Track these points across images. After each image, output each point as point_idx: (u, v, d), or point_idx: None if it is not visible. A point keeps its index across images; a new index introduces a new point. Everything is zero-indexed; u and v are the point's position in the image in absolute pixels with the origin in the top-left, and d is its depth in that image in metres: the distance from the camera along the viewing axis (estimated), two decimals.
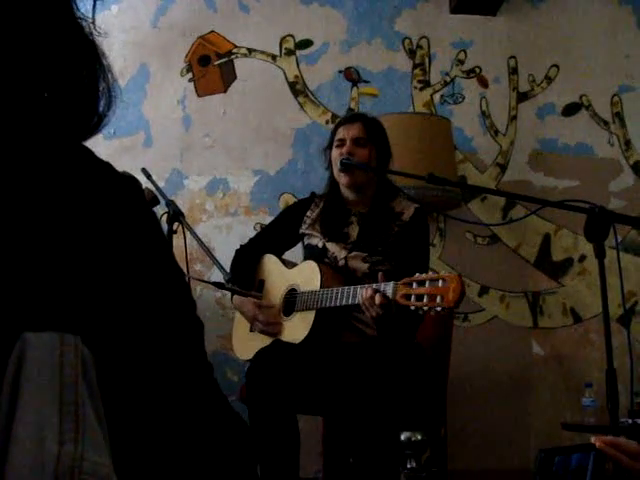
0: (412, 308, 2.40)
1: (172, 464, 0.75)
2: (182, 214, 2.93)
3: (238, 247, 3.10)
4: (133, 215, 0.79)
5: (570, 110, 4.17)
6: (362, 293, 2.52)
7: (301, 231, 2.98)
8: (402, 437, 2.29)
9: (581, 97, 4.18)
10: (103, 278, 0.74)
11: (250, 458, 0.83)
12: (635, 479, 1.09)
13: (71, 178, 0.74)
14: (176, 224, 2.91)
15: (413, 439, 2.26)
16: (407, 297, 2.41)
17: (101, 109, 0.80)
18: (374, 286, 2.51)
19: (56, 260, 0.69)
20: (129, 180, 0.81)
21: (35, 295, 0.67)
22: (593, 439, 1.11)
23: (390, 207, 2.88)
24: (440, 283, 2.35)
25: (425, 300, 2.37)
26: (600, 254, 2.29)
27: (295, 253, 3.15)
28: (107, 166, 0.79)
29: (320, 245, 2.89)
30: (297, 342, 2.72)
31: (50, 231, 0.70)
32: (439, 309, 2.34)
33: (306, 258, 2.95)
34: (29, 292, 0.67)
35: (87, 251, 0.73)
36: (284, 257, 3.07)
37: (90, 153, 0.78)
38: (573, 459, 1.10)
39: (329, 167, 2.94)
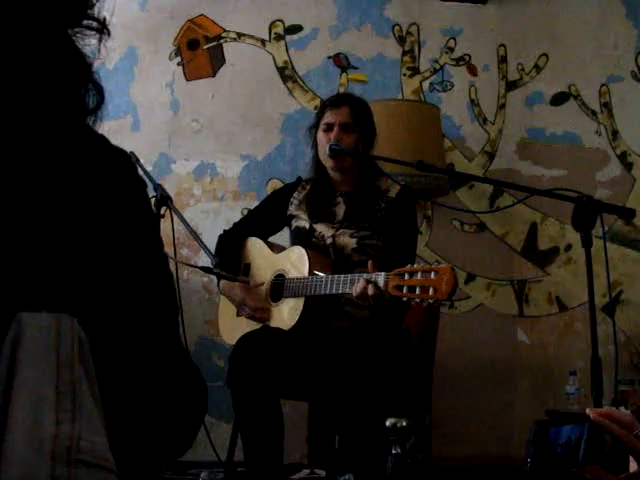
0: (404, 299, 2.40)
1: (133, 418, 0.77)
2: (170, 198, 2.92)
3: (222, 232, 3.09)
4: (123, 190, 0.79)
5: (558, 99, 4.18)
6: (354, 288, 2.51)
7: (289, 212, 2.98)
8: (387, 423, 2.30)
9: (570, 87, 4.18)
10: (97, 258, 0.74)
11: (199, 412, 0.87)
12: (628, 449, 1.09)
13: (65, 156, 0.74)
14: (164, 208, 2.90)
15: (398, 425, 2.27)
16: (399, 288, 2.41)
17: (91, 103, 0.81)
18: (365, 276, 2.51)
19: (52, 241, 0.69)
20: (121, 154, 0.81)
21: (31, 276, 0.67)
22: (588, 410, 1.11)
23: (376, 185, 2.89)
24: (433, 275, 2.34)
25: (417, 292, 2.36)
26: (587, 243, 2.31)
27: (281, 237, 3.15)
28: (101, 139, 0.79)
29: (307, 226, 2.89)
30: (287, 329, 2.72)
31: (46, 212, 0.70)
32: (432, 301, 2.34)
33: (293, 241, 2.95)
34: (25, 273, 0.67)
35: (82, 231, 0.72)
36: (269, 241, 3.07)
37: (85, 127, 0.78)
38: (568, 430, 1.11)
39: (314, 147, 2.93)
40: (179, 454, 0.86)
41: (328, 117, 2.87)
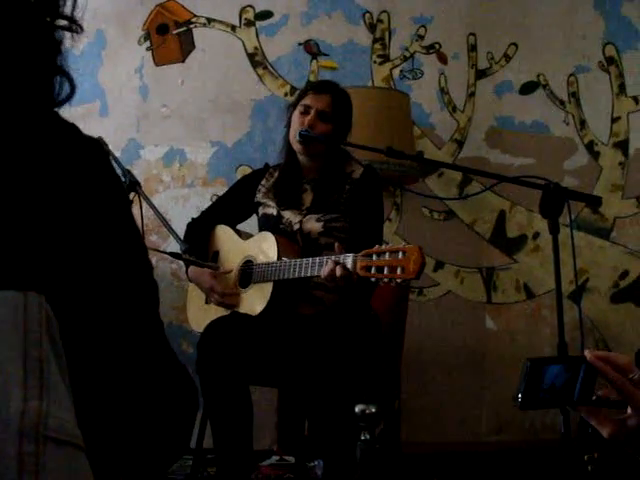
0: (373, 280, 2.40)
1: (121, 414, 0.77)
2: (139, 184, 2.90)
3: (190, 220, 3.08)
4: (96, 176, 0.79)
5: (527, 89, 4.21)
6: (322, 270, 2.51)
7: (256, 200, 2.97)
8: (356, 410, 2.31)
9: (538, 76, 4.21)
10: (65, 238, 0.73)
11: (192, 411, 0.86)
12: (621, 393, 1.11)
13: (35, 139, 0.74)
14: (132, 194, 2.88)
15: (367, 412, 2.29)
16: (367, 269, 2.41)
17: (58, 89, 0.81)
18: (333, 258, 2.51)
19: (19, 220, 0.69)
20: (93, 142, 0.81)
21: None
22: (586, 352, 1.12)
23: (341, 169, 2.89)
24: (400, 254, 2.35)
25: (386, 271, 2.36)
26: (554, 230, 2.34)
27: (250, 225, 3.14)
28: (72, 128, 0.79)
29: (275, 213, 2.89)
30: (255, 314, 2.72)
31: (13, 191, 0.70)
32: (400, 281, 2.35)
33: (261, 228, 2.94)
34: None
35: (50, 211, 0.72)
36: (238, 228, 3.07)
37: (55, 115, 0.78)
38: (562, 371, 1.11)
39: (287, 125, 2.92)
40: (176, 455, 0.86)
41: (308, 100, 2.86)
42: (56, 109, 0.81)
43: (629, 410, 1.11)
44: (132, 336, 0.79)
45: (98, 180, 0.79)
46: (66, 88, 0.81)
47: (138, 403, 0.79)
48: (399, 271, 2.33)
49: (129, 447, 0.79)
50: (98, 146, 0.82)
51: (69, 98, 0.82)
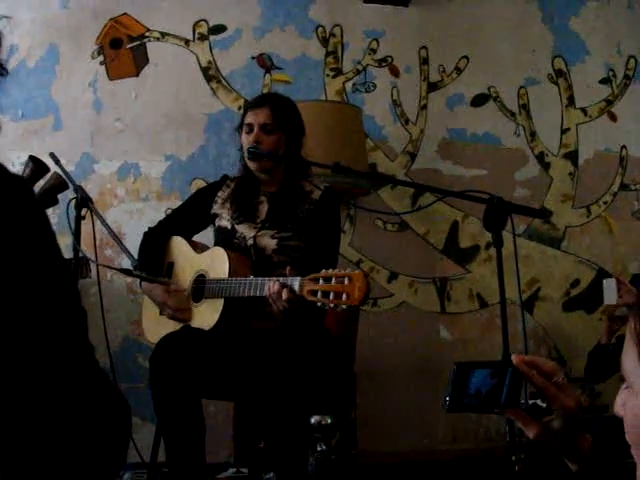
0: (319, 304, 2.43)
1: (48, 440, 0.78)
2: (90, 200, 2.89)
3: (146, 230, 3.09)
4: (17, 213, 0.80)
5: (478, 101, 4.28)
6: (269, 286, 2.54)
7: (212, 211, 2.99)
8: (312, 421, 2.33)
9: (489, 88, 4.28)
10: None
11: (123, 432, 0.88)
12: (546, 396, 1.15)
13: None
14: (84, 210, 2.88)
15: (323, 423, 2.31)
16: (313, 293, 2.43)
17: None
18: (281, 280, 2.53)
19: None
20: (17, 180, 0.83)
21: None
22: (513, 356, 1.15)
23: (300, 186, 2.92)
24: (346, 281, 2.37)
25: (331, 297, 2.38)
26: (498, 243, 2.38)
27: (206, 237, 3.15)
28: None
29: (229, 227, 2.91)
30: (207, 328, 2.73)
31: None
32: (345, 307, 2.37)
33: (216, 241, 2.96)
34: None
35: None
36: (194, 239, 3.08)
37: None
38: (490, 375, 1.14)
39: (241, 148, 2.95)
40: (108, 477, 0.87)
41: (249, 118, 2.89)
42: None
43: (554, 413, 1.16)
44: (58, 363, 0.80)
45: (19, 217, 0.80)
46: None
47: (65, 428, 0.80)
48: (344, 297, 2.35)
49: (58, 471, 0.80)
50: (22, 184, 0.84)
51: None
